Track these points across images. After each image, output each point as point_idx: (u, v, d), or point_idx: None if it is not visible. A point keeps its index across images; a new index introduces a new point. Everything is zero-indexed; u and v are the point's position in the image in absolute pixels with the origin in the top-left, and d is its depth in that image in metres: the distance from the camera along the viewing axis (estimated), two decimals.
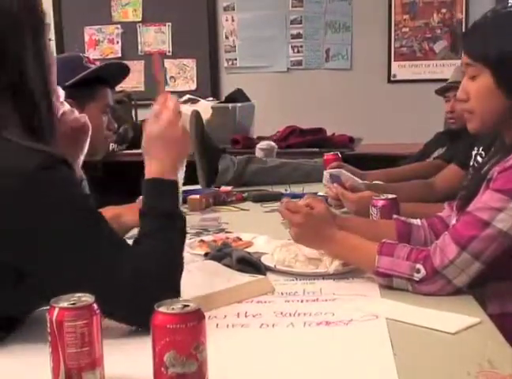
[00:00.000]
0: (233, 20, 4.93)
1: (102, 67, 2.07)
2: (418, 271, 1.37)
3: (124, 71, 2.10)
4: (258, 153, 3.29)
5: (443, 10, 4.69)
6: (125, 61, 2.40)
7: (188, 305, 0.89)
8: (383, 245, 1.43)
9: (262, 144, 3.37)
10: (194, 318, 0.88)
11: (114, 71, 2.07)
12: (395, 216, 1.72)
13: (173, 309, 0.88)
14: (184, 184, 2.79)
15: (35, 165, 1.07)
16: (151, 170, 1.26)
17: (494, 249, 1.35)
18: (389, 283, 1.41)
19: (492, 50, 1.44)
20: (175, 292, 1.13)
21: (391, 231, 1.65)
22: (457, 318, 1.22)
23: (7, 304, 1.13)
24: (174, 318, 0.87)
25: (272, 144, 3.42)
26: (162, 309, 0.88)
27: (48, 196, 1.08)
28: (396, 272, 1.39)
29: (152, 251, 1.17)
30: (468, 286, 1.39)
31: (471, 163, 2.28)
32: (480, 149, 2.20)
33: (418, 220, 1.70)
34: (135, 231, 1.94)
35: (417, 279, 1.37)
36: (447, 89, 2.82)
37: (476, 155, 2.24)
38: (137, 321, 1.13)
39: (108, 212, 1.88)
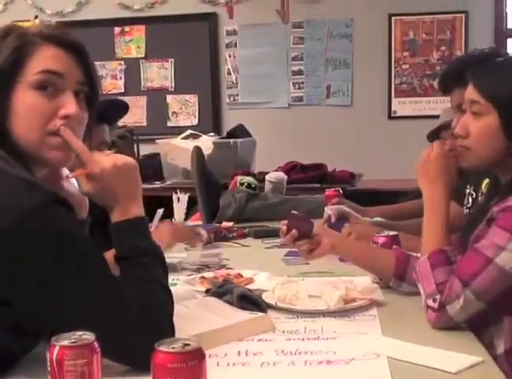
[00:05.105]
0: (235, 57, 4.98)
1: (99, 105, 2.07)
2: (435, 300, 1.40)
3: (122, 109, 2.10)
4: (268, 186, 3.18)
5: (443, 48, 4.74)
6: (127, 97, 2.42)
7: (189, 344, 0.89)
8: (438, 253, 1.46)
9: (271, 177, 3.22)
10: (195, 357, 0.87)
11: (112, 109, 2.07)
12: (395, 247, 1.73)
13: (173, 347, 0.88)
14: (185, 219, 2.78)
15: (33, 204, 1.07)
16: (112, 216, 1.23)
17: (496, 288, 1.36)
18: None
19: (503, 91, 1.43)
20: (166, 332, 1.10)
21: (390, 259, 1.66)
22: (458, 357, 1.21)
23: (5, 341, 1.12)
24: (174, 357, 0.86)
25: (281, 175, 3.30)
26: (162, 347, 0.88)
27: (46, 236, 1.07)
28: (422, 284, 1.45)
29: (133, 295, 1.15)
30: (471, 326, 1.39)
31: (465, 202, 2.28)
32: (472, 189, 2.21)
33: (419, 254, 1.70)
34: None
35: (431, 305, 1.41)
36: (440, 130, 2.79)
37: (468, 195, 2.25)
38: (134, 363, 1.13)
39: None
